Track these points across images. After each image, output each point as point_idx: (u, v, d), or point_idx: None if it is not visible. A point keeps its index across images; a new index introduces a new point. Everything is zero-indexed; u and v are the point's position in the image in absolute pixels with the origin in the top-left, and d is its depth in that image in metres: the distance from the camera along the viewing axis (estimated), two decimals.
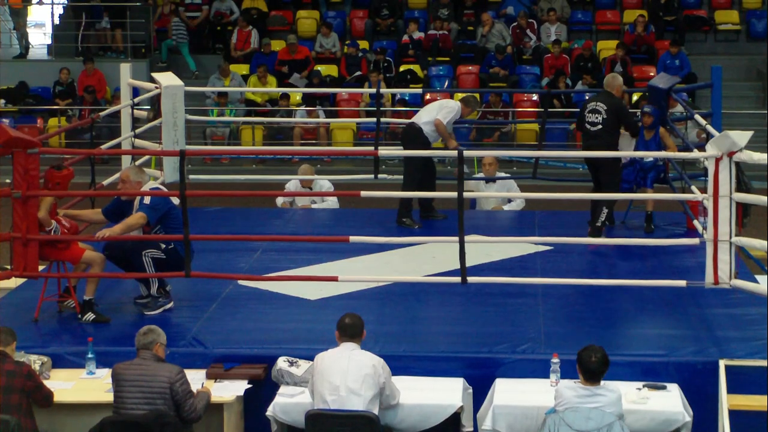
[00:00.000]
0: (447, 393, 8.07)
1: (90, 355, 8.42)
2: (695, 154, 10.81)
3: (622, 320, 9.46)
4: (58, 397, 7.92)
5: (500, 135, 21.36)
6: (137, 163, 12.33)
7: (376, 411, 7.65)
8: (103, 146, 12.84)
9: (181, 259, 9.15)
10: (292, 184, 13.18)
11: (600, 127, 11.27)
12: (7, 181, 9.21)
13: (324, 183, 13.23)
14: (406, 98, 21.41)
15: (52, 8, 24.59)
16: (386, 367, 7.76)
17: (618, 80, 11.63)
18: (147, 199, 9.24)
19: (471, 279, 9.01)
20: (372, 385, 7.65)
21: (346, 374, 7.64)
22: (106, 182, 11.57)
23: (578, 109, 11.88)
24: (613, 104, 11.33)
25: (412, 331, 9.03)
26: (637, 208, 12.28)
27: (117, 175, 9.81)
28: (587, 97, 12.01)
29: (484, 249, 10.66)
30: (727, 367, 8.19)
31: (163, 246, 9.31)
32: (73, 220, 9.54)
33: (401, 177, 13.03)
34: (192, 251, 9.18)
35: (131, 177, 9.46)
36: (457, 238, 8.83)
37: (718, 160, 8.53)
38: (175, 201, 9.71)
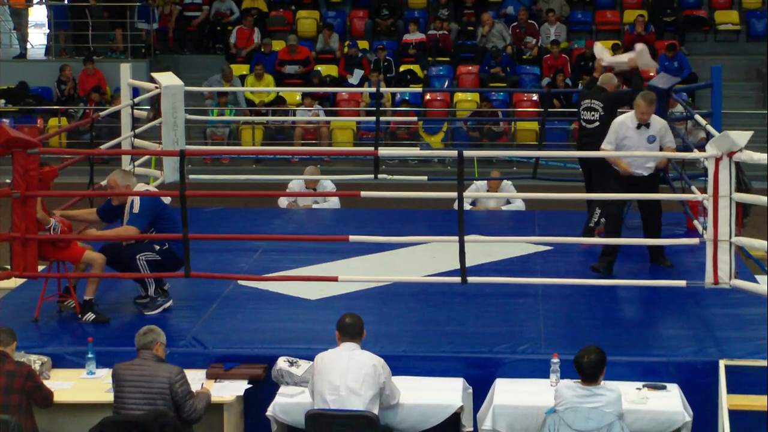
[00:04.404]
0: (447, 393, 8.07)
1: (90, 355, 8.42)
2: (695, 154, 10.81)
3: (622, 320, 9.46)
4: (58, 397, 7.92)
5: (494, 134, 21.34)
6: (137, 163, 12.35)
7: (376, 411, 7.65)
8: (103, 146, 12.84)
9: (177, 258, 9.16)
10: (296, 184, 13.19)
11: (597, 124, 11.27)
12: (7, 181, 9.20)
13: (327, 183, 13.25)
14: (407, 98, 21.43)
15: (52, 8, 24.55)
16: (386, 367, 7.76)
17: (614, 80, 11.65)
18: (136, 208, 9.23)
19: (471, 279, 9.02)
20: (372, 384, 7.65)
21: (346, 374, 7.64)
22: (104, 182, 11.55)
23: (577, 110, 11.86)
24: (608, 98, 11.32)
25: (412, 331, 9.03)
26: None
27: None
28: (580, 93, 11.96)
29: (484, 249, 10.67)
30: (727, 367, 8.19)
31: (157, 247, 9.31)
32: (68, 219, 9.53)
33: (401, 177, 13.00)
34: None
35: (119, 181, 9.45)
36: (457, 238, 8.83)
37: (718, 160, 8.53)
38: (166, 200, 9.70)
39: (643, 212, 10.77)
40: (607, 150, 10.34)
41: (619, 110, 11.34)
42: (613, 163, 10.30)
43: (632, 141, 10.28)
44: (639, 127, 10.26)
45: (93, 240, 9.51)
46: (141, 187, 9.57)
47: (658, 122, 10.37)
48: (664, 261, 10.68)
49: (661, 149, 10.32)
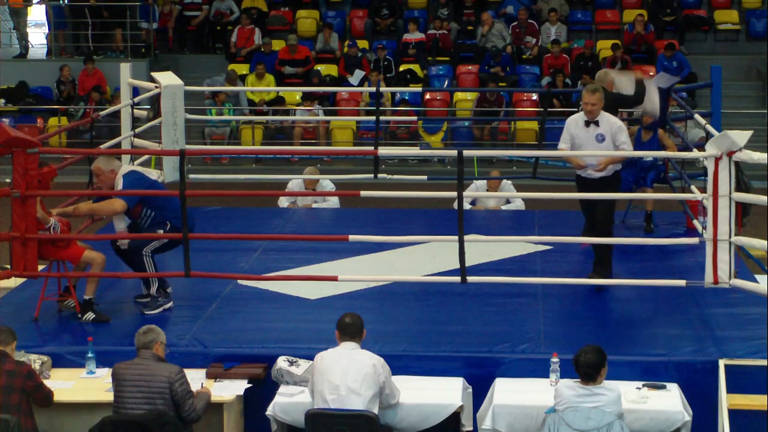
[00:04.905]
0: (447, 392, 8.07)
1: (90, 355, 8.42)
2: (695, 153, 10.81)
3: (622, 320, 9.46)
4: (58, 397, 7.92)
5: (494, 131, 21.33)
6: (136, 162, 12.35)
7: (376, 410, 7.65)
8: (103, 146, 12.83)
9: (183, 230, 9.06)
10: (295, 183, 13.19)
11: None
12: (7, 180, 9.21)
13: (326, 183, 13.26)
14: (406, 98, 21.43)
15: (52, 8, 24.56)
16: (386, 366, 7.76)
17: (609, 75, 11.60)
18: (119, 185, 9.20)
19: (471, 279, 9.01)
20: (372, 384, 7.65)
21: (346, 373, 7.64)
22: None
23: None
24: (607, 98, 11.28)
25: (412, 330, 9.02)
26: (637, 208, 12.28)
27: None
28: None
29: (484, 249, 10.66)
30: (727, 367, 8.19)
31: (161, 231, 9.27)
32: (66, 216, 9.51)
33: (401, 177, 13.00)
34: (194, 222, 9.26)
35: (103, 168, 9.39)
36: (456, 238, 8.83)
37: (717, 159, 8.52)
38: (153, 176, 9.63)
39: (590, 215, 9.96)
40: (562, 149, 9.90)
41: (620, 110, 11.34)
42: (567, 161, 9.88)
43: (580, 139, 9.79)
44: (588, 124, 9.73)
45: (84, 214, 9.43)
46: (126, 169, 9.52)
47: (608, 120, 9.76)
48: (597, 272, 9.87)
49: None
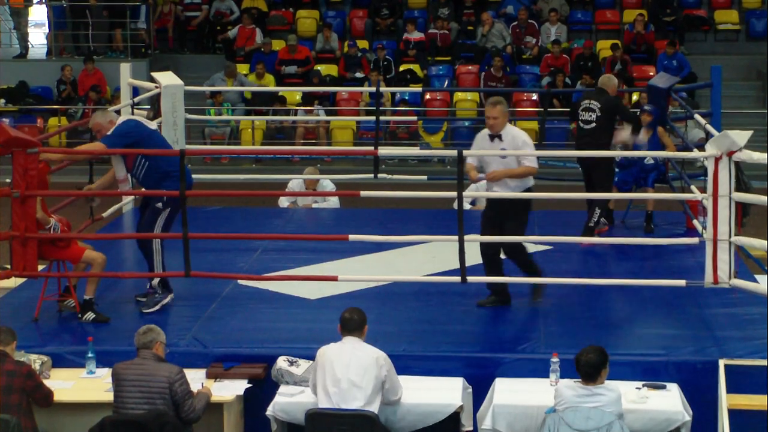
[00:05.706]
0: (447, 392, 8.07)
1: (90, 355, 8.42)
2: (695, 153, 10.81)
3: (622, 320, 9.46)
4: (58, 397, 7.92)
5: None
6: None
7: (377, 405, 7.65)
8: None
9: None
10: (295, 183, 13.20)
11: (594, 125, 11.28)
12: (7, 180, 9.21)
13: (327, 183, 13.26)
14: (406, 98, 21.44)
15: (52, 8, 24.57)
16: (388, 361, 7.76)
17: (613, 81, 11.64)
18: (111, 131, 9.18)
19: (471, 278, 9.02)
20: (373, 377, 7.66)
21: (348, 367, 7.65)
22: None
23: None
24: (607, 102, 11.32)
25: (412, 330, 9.02)
26: (637, 208, 12.29)
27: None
28: (582, 95, 11.97)
29: None
30: (727, 367, 8.19)
31: (159, 204, 9.23)
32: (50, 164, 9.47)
33: (401, 177, 12.99)
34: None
35: (101, 121, 9.33)
36: (456, 238, 8.83)
37: (717, 159, 8.53)
38: (152, 126, 9.58)
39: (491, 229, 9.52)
40: (469, 163, 9.32)
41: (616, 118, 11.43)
42: (466, 172, 9.23)
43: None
44: (492, 139, 9.25)
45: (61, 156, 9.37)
46: (124, 117, 9.48)
47: (512, 135, 9.27)
48: (535, 296, 9.57)
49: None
